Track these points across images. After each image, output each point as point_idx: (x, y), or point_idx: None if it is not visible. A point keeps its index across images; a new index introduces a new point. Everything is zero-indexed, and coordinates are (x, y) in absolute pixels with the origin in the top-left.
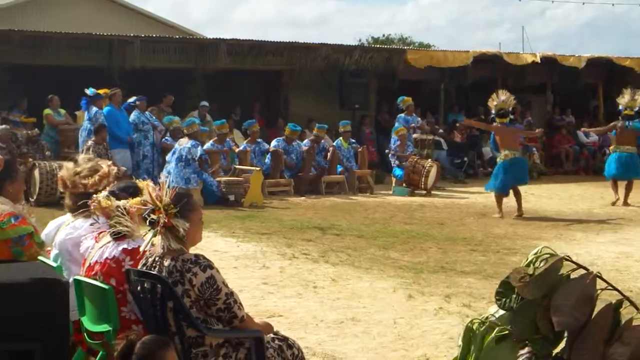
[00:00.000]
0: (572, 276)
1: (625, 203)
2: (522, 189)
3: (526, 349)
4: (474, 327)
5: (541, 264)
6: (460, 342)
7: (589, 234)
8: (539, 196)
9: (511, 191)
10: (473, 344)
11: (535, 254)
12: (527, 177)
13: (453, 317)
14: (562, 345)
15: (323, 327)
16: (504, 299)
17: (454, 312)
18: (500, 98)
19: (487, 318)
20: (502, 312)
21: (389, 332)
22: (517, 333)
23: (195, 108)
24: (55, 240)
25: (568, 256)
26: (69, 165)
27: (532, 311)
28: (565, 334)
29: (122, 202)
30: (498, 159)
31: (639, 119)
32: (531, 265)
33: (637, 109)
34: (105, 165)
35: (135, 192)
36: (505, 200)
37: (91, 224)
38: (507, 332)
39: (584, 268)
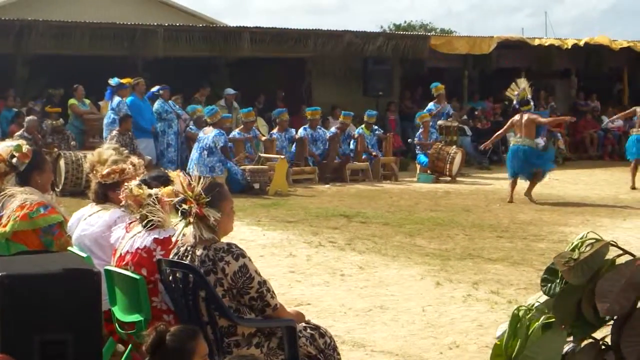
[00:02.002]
0: (617, 262)
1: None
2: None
3: (572, 337)
4: (520, 314)
5: (586, 249)
6: (499, 331)
7: (616, 219)
8: (564, 182)
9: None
10: (519, 330)
11: (581, 238)
12: (531, 165)
13: (482, 304)
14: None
15: (351, 315)
16: (549, 285)
17: (483, 299)
18: (520, 87)
19: (533, 305)
20: (543, 299)
21: (418, 319)
22: (560, 318)
23: (220, 97)
24: (73, 235)
25: (614, 241)
26: (104, 151)
27: (576, 296)
28: (608, 319)
29: (154, 191)
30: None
31: None
32: (576, 250)
33: None
34: (128, 163)
35: (167, 181)
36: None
37: (122, 211)
38: (553, 319)
39: (630, 254)
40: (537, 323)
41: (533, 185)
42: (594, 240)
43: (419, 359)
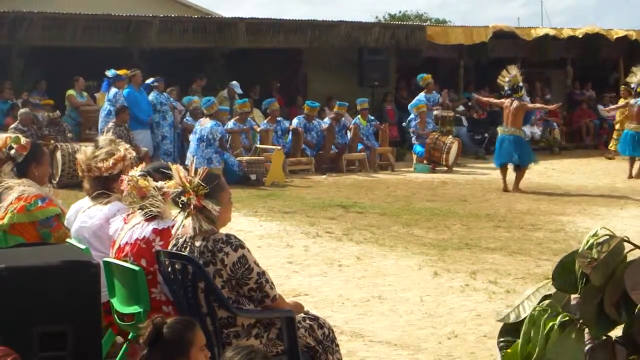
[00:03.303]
0: (629, 257)
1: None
2: (543, 163)
3: (587, 336)
4: (536, 315)
5: (603, 248)
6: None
7: (613, 208)
8: (561, 171)
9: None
10: (534, 333)
11: (593, 235)
12: (515, 156)
13: (479, 293)
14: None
15: (349, 305)
16: (562, 280)
17: (480, 289)
18: (512, 73)
19: (547, 305)
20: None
21: (416, 309)
22: (585, 319)
23: (215, 88)
24: (72, 227)
25: (627, 237)
26: (86, 149)
27: (598, 295)
28: (624, 317)
29: (159, 184)
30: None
31: None
32: (593, 248)
33: None
34: (122, 149)
35: (169, 172)
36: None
37: (122, 204)
38: (568, 318)
39: None
40: (552, 323)
41: (519, 180)
42: (608, 237)
43: (418, 349)
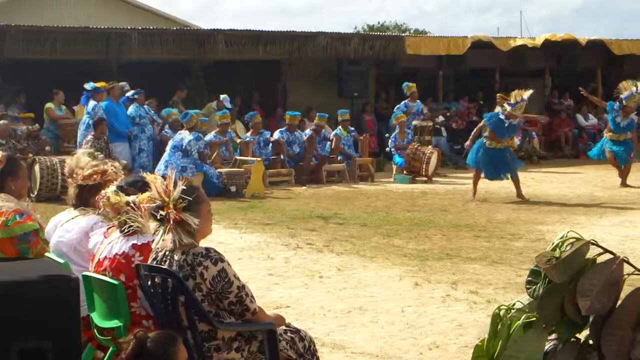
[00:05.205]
0: (598, 260)
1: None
2: (522, 173)
3: (553, 335)
4: (501, 314)
5: (567, 248)
6: (486, 333)
7: (592, 217)
8: (540, 181)
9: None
10: (500, 330)
11: (561, 238)
12: (492, 172)
13: (461, 304)
14: (587, 330)
15: (331, 317)
16: (534, 287)
17: (462, 299)
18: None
19: (514, 304)
20: (528, 300)
21: (397, 320)
22: (544, 318)
23: (193, 100)
24: (51, 241)
25: (594, 240)
26: (82, 156)
27: (559, 295)
28: (592, 319)
29: (131, 198)
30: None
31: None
32: (557, 249)
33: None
34: (108, 166)
35: (144, 186)
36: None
37: (99, 217)
38: (534, 318)
39: (611, 252)
40: (518, 322)
41: (518, 186)
42: (574, 240)
43: None
